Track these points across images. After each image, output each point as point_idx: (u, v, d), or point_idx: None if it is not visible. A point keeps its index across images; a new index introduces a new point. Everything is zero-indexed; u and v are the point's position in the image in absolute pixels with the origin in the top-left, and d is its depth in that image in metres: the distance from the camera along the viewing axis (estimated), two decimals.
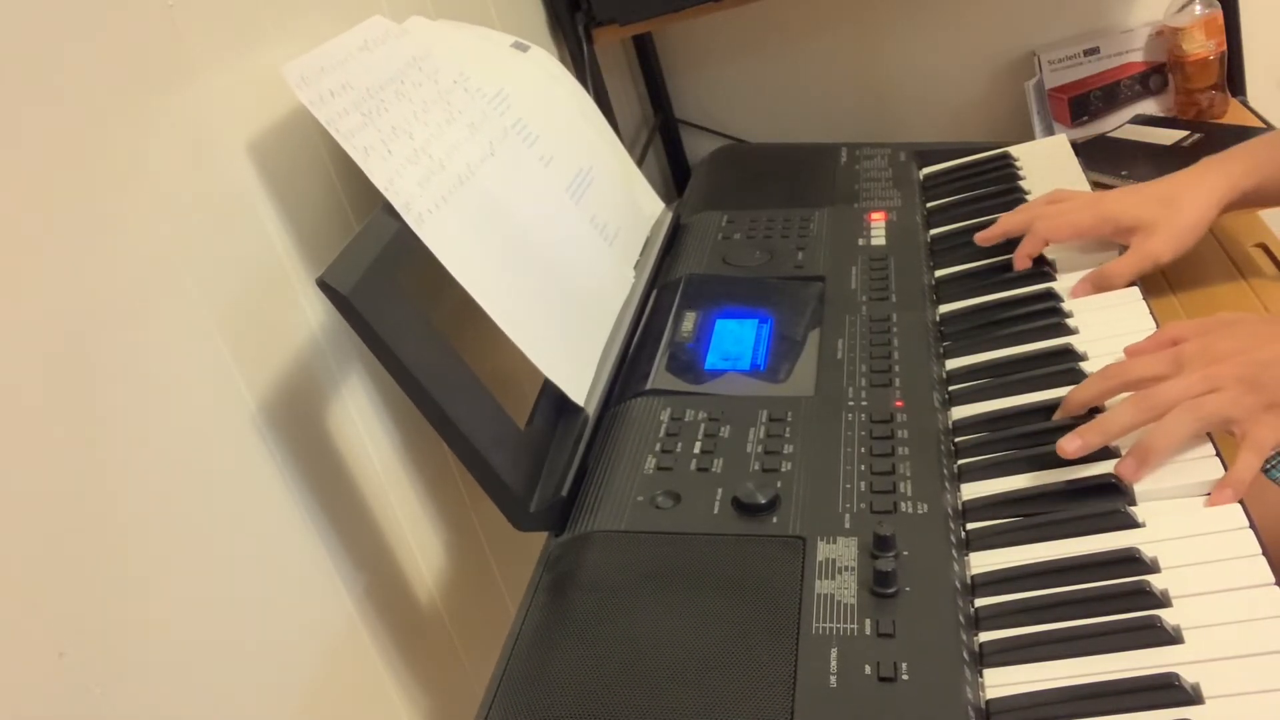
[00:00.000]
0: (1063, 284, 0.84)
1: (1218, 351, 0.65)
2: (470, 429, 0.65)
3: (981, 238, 0.90)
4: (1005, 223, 0.90)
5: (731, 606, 0.57)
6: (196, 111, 0.64)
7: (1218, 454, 0.63)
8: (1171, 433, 0.63)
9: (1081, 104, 1.51)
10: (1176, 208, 0.83)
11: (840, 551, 0.60)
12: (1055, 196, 0.90)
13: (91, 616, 0.50)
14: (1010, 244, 0.91)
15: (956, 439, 0.71)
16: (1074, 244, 0.88)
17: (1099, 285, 0.83)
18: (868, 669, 0.53)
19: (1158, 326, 0.77)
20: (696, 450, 0.69)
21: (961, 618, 0.56)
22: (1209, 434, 0.65)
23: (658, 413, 0.73)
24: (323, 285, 0.62)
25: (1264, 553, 0.57)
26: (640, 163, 1.36)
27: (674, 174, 1.70)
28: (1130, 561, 0.57)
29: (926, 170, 1.10)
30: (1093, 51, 1.51)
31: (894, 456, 0.67)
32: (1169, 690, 0.50)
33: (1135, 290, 0.82)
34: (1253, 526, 0.58)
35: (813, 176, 1.07)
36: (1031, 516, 0.63)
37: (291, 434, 0.67)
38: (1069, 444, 0.65)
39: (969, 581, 0.60)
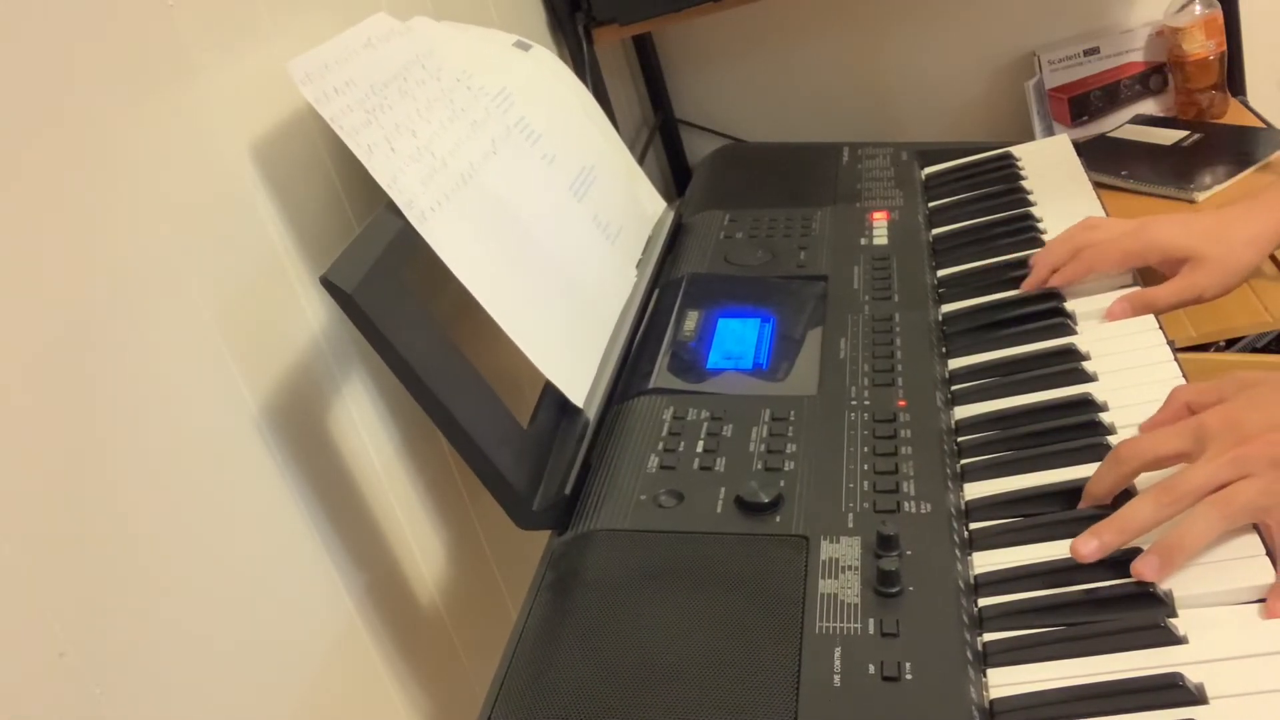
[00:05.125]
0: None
1: (1245, 428, 0.58)
2: (474, 428, 0.65)
3: (1029, 285, 0.83)
4: (1048, 255, 0.84)
5: (735, 606, 0.57)
6: (196, 111, 0.64)
7: (1268, 553, 0.56)
8: (1198, 533, 0.56)
9: (1081, 104, 1.51)
10: (1229, 246, 0.80)
11: (843, 551, 0.60)
12: (1091, 224, 0.85)
13: (91, 616, 0.50)
14: (1011, 243, 0.91)
15: (959, 439, 0.71)
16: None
17: (1139, 307, 0.79)
18: (871, 668, 0.53)
19: (1160, 326, 0.77)
20: (699, 449, 0.69)
21: (965, 617, 0.56)
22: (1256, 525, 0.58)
23: (660, 412, 0.73)
24: (326, 283, 0.62)
25: (1268, 553, 0.57)
26: (640, 163, 1.36)
27: (674, 174, 1.70)
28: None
29: (928, 170, 1.09)
30: (1093, 51, 1.51)
31: (897, 456, 0.67)
32: (1173, 690, 0.50)
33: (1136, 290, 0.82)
34: (1256, 527, 0.58)
35: (815, 176, 1.07)
36: (1034, 516, 0.63)
37: (291, 434, 0.67)
38: (1085, 547, 0.58)
39: (972, 581, 0.60)
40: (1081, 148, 1.09)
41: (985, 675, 0.54)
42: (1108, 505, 0.61)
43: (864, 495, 0.64)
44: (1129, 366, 0.74)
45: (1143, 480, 0.62)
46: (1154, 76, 1.51)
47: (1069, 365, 0.74)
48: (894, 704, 0.51)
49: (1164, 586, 0.56)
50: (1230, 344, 1.05)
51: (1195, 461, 0.58)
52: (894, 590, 0.57)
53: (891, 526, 0.59)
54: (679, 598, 0.58)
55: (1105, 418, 0.68)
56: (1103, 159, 1.35)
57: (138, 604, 0.53)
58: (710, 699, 0.52)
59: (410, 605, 0.79)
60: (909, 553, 0.59)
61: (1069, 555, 0.59)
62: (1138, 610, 0.55)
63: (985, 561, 0.61)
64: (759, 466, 0.67)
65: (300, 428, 0.68)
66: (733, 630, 0.56)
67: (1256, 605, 0.54)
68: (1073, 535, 0.60)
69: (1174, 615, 0.54)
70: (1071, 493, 0.63)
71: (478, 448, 0.65)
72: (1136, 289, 0.81)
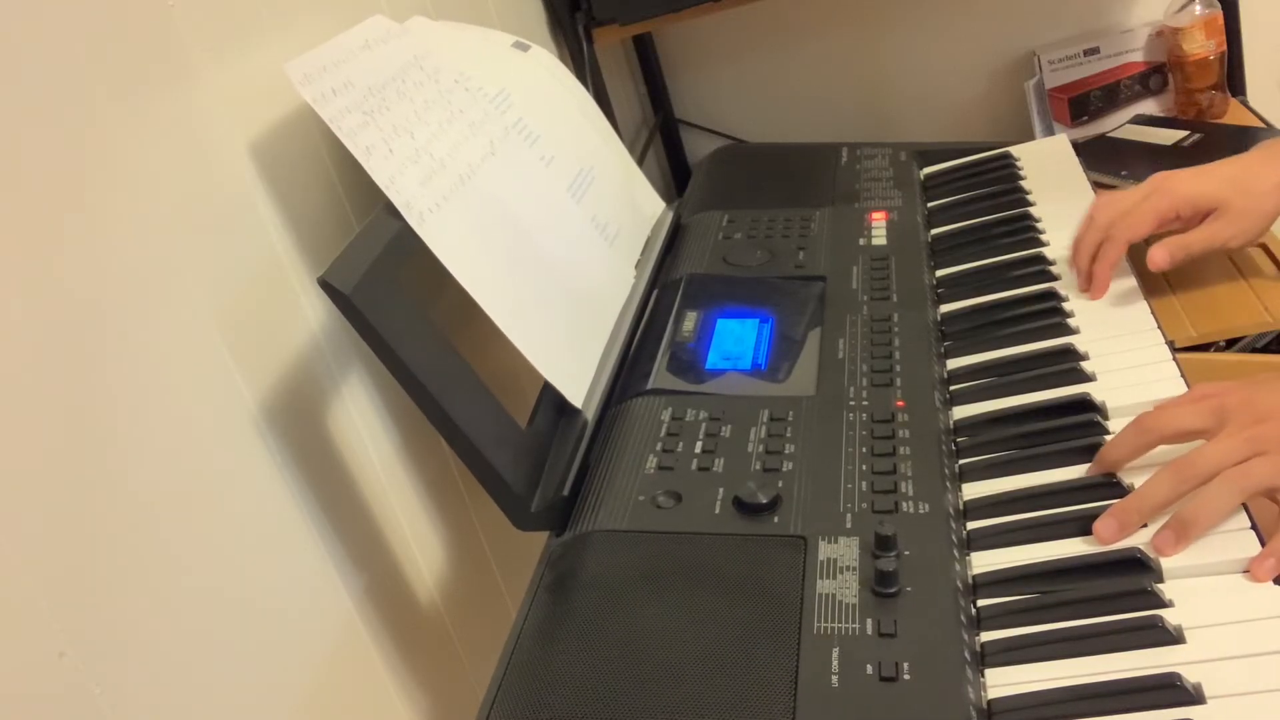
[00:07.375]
0: (1065, 283, 0.84)
1: (1263, 408, 0.59)
2: (472, 429, 0.65)
3: (1082, 286, 0.83)
4: (1084, 244, 0.83)
5: (733, 606, 0.57)
6: (196, 111, 0.64)
7: (1253, 526, 0.58)
8: (1214, 506, 0.57)
9: (1081, 104, 1.51)
10: (1255, 196, 0.81)
11: (841, 551, 0.60)
12: (1105, 201, 0.84)
13: (91, 616, 0.50)
14: (1010, 243, 0.92)
15: (958, 439, 0.71)
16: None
17: (1177, 252, 0.81)
18: (869, 669, 0.53)
19: (1159, 326, 0.77)
20: (697, 450, 0.69)
21: (963, 617, 0.56)
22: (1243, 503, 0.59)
23: (659, 412, 0.73)
24: (324, 284, 0.62)
25: (1254, 527, 0.57)
26: (640, 163, 1.36)
27: (674, 174, 1.70)
28: (1132, 562, 0.57)
29: (927, 170, 1.10)
30: (1093, 51, 1.51)
31: (895, 456, 0.67)
32: (1171, 690, 0.50)
33: (1136, 289, 0.82)
34: (1254, 527, 0.58)
35: (813, 176, 1.07)
36: (1032, 516, 0.63)
37: (291, 434, 0.67)
38: (1106, 529, 0.59)
39: (970, 581, 0.60)
40: (1081, 148, 1.09)
41: (983, 675, 0.54)
42: (1105, 492, 0.62)
43: (862, 495, 0.64)
44: (1128, 366, 0.74)
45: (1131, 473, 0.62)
46: (1154, 76, 1.51)
47: (1067, 365, 0.74)
48: (892, 704, 0.51)
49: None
50: (1230, 344, 1.05)
51: (1212, 440, 0.60)
52: (892, 590, 0.57)
53: (890, 527, 0.59)
54: (677, 598, 0.58)
55: (1103, 418, 0.68)
56: (1103, 159, 1.35)
57: (137, 604, 0.53)
58: (708, 699, 0.52)
59: (410, 605, 0.79)
60: (907, 553, 0.59)
61: (1067, 555, 0.59)
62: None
63: (983, 561, 0.61)
64: (757, 467, 0.67)
65: (300, 428, 0.68)
66: (730, 631, 0.56)
67: (1253, 606, 0.54)
68: (1071, 535, 0.61)
69: (1169, 606, 0.55)
70: (1070, 492, 0.63)
71: (475, 449, 0.65)
72: (1172, 236, 0.81)
